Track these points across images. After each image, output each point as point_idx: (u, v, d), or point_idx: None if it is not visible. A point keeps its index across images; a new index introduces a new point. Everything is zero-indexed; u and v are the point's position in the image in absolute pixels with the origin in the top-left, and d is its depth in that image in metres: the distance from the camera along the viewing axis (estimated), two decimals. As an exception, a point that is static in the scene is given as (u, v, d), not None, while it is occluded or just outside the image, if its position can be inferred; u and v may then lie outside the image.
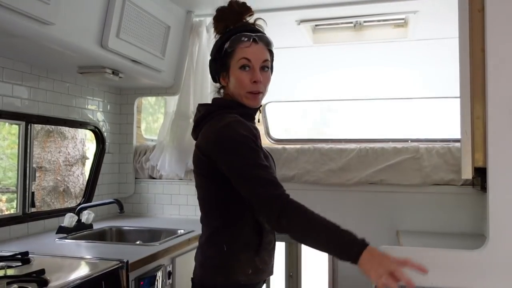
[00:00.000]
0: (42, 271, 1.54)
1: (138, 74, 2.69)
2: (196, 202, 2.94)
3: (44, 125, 3.04)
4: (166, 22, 2.73)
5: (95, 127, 2.91)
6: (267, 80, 1.50)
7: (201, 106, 1.54)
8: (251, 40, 1.44)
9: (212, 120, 1.45)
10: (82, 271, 1.67)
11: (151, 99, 4.11)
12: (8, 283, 1.42)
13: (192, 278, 1.52)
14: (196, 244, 2.27)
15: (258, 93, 1.47)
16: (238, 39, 1.44)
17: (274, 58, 1.54)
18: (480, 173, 1.67)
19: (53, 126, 3.16)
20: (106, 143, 3.01)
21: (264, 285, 1.62)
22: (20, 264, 1.70)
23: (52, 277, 1.52)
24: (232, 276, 1.41)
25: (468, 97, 1.63)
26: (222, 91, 1.56)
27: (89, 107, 2.85)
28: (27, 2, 1.71)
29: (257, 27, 1.51)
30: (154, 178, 3.14)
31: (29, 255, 1.78)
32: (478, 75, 1.61)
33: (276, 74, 1.61)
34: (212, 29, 1.55)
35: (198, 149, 1.47)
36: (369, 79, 2.77)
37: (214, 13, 1.53)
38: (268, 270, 1.52)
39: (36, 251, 1.89)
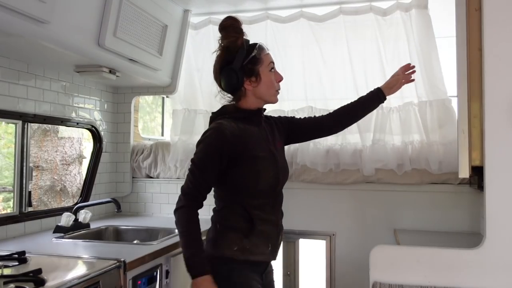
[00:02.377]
0: (39, 271, 1.53)
1: (135, 73, 2.69)
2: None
3: (40, 124, 3.03)
4: (163, 21, 2.73)
5: (92, 126, 2.90)
6: None
7: (211, 113, 1.80)
8: (267, 49, 1.74)
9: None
10: (79, 270, 1.67)
11: (148, 98, 4.11)
12: (5, 283, 1.42)
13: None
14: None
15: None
16: (262, 48, 1.71)
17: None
18: (477, 172, 1.67)
19: (50, 125, 3.16)
20: (103, 142, 3.00)
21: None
22: (17, 263, 1.69)
23: (49, 276, 1.52)
24: (219, 248, 1.64)
25: (465, 96, 1.63)
26: (236, 100, 1.75)
27: (86, 106, 2.84)
28: (22, 1, 1.71)
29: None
30: (151, 177, 3.14)
31: (26, 255, 1.77)
32: (475, 74, 1.61)
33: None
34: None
35: None
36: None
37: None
38: (260, 252, 1.67)
39: (33, 251, 1.88)
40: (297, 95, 2.83)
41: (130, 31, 2.43)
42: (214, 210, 1.74)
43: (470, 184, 2.44)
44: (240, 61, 1.68)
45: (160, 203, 3.10)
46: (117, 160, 3.14)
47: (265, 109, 1.80)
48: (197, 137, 2.97)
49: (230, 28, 1.71)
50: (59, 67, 2.51)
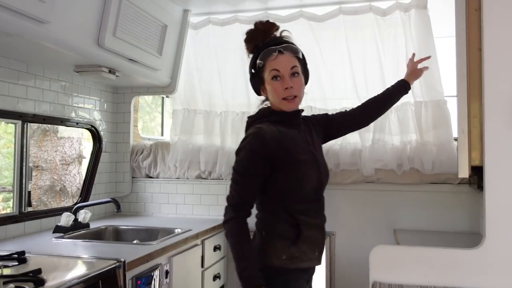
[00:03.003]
0: (38, 271, 1.53)
1: (134, 73, 2.69)
2: (193, 201, 2.99)
3: (40, 124, 3.03)
4: (163, 21, 2.73)
5: (92, 126, 2.90)
6: (299, 84, 1.64)
7: (247, 118, 1.74)
8: (277, 52, 1.61)
9: (248, 130, 1.67)
10: (79, 270, 1.67)
11: (148, 98, 4.11)
12: (4, 283, 1.41)
13: None
14: (193, 243, 2.30)
15: (294, 98, 1.61)
16: (266, 54, 1.61)
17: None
18: (477, 172, 1.67)
19: (49, 125, 3.15)
20: (103, 142, 3.00)
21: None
22: (17, 263, 1.69)
23: (49, 276, 1.51)
24: (267, 258, 1.58)
25: (465, 96, 1.63)
26: (266, 102, 1.73)
27: (86, 106, 2.84)
28: (22, 0, 1.70)
29: (284, 38, 1.67)
30: (151, 177, 3.14)
31: (26, 255, 1.77)
32: (475, 74, 1.61)
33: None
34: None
35: None
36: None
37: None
38: (308, 259, 1.63)
39: (33, 251, 1.88)
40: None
41: (129, 31, 2.43)
42: (256, 216, 1.67)
43: (470, 184, 2.44)
44: (250, 70, 1.68)
45: (160, 203, 3.10)
46: (117, 160, 3.14)
47: (302, 110, 1.73)
48: (197, 137, 3.00)
49: (247, 37, 1.69)
50: (58, 67, 2.51)
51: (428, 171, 2.53)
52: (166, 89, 3.09)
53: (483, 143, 1.57)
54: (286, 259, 1.57)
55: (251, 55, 1.69)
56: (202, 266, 2.49)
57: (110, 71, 2.48)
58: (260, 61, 1.63)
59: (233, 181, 1.58)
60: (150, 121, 4.31)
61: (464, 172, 1.63)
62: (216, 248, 2.68)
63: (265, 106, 1.72)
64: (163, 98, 4.10)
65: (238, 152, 1.60)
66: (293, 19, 2.85)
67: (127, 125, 3.14)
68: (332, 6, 2.80)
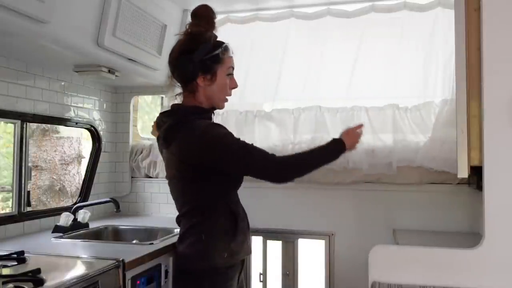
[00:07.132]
0: (37, 271, 1.53)
1: (134, 73, 2.69)
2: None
3: (39, 124, 3.03)
4: (162, 21, 2.73)
5: (91, 126, 2.90)
6: None
7: (167, 117, 1.67)
8: (232, 51, 1.70)
9: (185, 128, 1.59)
10: (78, 270, 1.67)
11: (148, 98, 4.11)
12: (3, 283, 1.41)
13: (173, 266, 1.74)
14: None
15: None
16: (227, 49, 1.67)
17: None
18: (476, 172, 1.68)
19: (49, 125, 3.15)
20: (102, 142, 3.00)
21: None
22: (16, 263, 1.69)
23: (48, 276, 1.51)
24: (210, 260, 1.61)
25: (464, 96, 1.63)
26: (187, 92, 1.71)
27: (85, 105, 2.84)
28: (21, 0, 1.70)
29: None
30: (150, 177, 3.14)
31: (25, 254, 1.77)
32: (474, 74, 1.61)
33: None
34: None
35: (178, 157, 1.64)
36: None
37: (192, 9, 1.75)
38: (244, 250, 1.70)
39: (32, 251, 1.87)
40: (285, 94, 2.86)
41: (129, 31, 2.43)
42: (192, 224, 1.68)
43: (469, 184, 2.44)
44: (201, 54, 1.62)
45: (159, 203, 3.10)
46: (116, 160, 3.14)
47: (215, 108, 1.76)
48: None
49: (204, 18, 1.67)
50: (58, 67, 2.51)
51: (433, 170, 2.51)
52: (166, 88, 3.08)
53: (482, 142, 1.57)
54: (228, 256, 1.61)
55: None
56: (202, 266, 2.49)
57: (109, 71, 2.48)
58: (221, 53, 1.64)
59: (248, 149, 1.57)
60: (150, 121, 4.30)
61: (463, 172, 1.64)
62: (215, 248, 2.68)
63: (179, 103, 1.73)
64: (162, 97, 4.09)
65: (214, 139, 1.57)
66: (320, 17, 2.78)
67: (126, 125, 3.14)
68: (362, 4, 2.74)
